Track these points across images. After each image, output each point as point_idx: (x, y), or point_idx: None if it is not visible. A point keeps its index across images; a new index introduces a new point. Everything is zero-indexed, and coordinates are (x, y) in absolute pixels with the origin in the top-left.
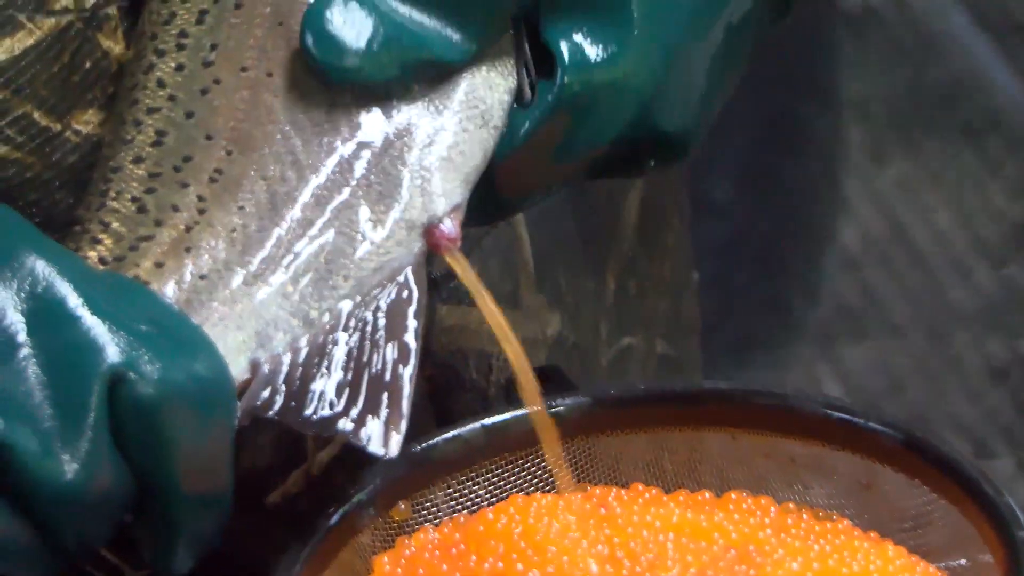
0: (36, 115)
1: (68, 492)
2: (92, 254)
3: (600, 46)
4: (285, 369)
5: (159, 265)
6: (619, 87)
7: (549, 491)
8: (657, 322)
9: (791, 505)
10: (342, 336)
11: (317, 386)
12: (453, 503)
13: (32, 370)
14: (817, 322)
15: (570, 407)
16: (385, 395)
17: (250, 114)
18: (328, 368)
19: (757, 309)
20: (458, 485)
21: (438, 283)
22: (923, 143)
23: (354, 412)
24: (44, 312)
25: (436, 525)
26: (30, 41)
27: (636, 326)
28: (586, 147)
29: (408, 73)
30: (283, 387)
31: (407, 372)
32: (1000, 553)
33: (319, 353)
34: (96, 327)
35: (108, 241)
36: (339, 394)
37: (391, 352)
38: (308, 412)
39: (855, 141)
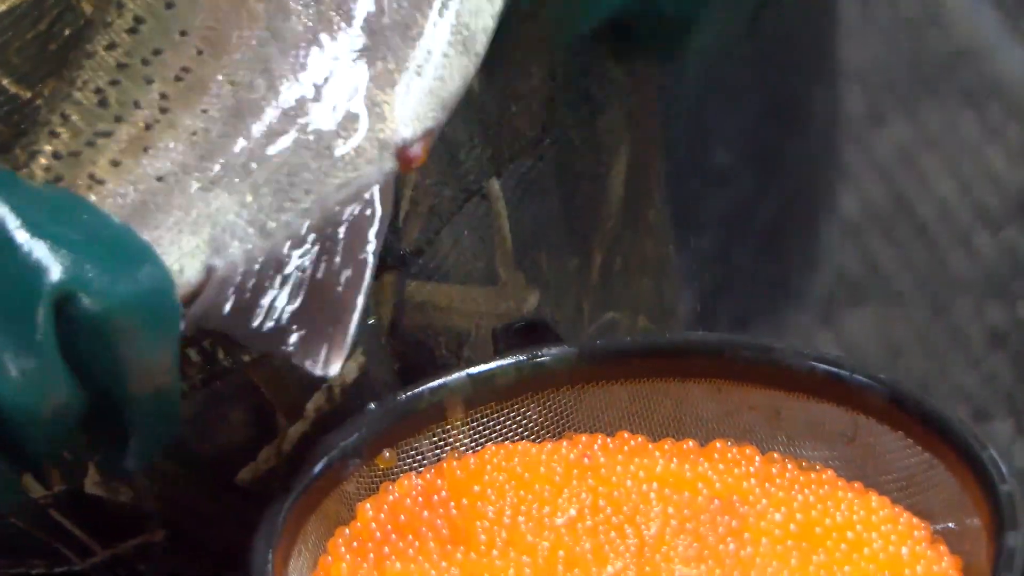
0: (5, 82)
1: (21, 411)
2: (48, 148)
3: None
4: (238, 278)
5: (115, 164)
6: None
7: (535, 440)
8: (641, 300)
9: (776, 455)
10: (299, 250)
11: (267, 299)
12: (438, 451)
13: None
14: (817, 290)
15: (556, 358)
16: (332, 315)
17: (231, 16)
18: (281, 282)
19: (758, 279)
20: (443, 433)
21: (407, 259)
22: (923, 111)
23: (299, 330)
24: None
25: (419, 472)
26: (2, 7)
27: (620, 304)
28: (584, 18)
29: None
30: (233, 296)
31: (358, 294)
32: (984, 508)
33: (274, 265)
34: (38, 248)
35: (65, 135)
36: (287, 310)
37: (345, 272)
38: (254, 325)
39: (856, 110)
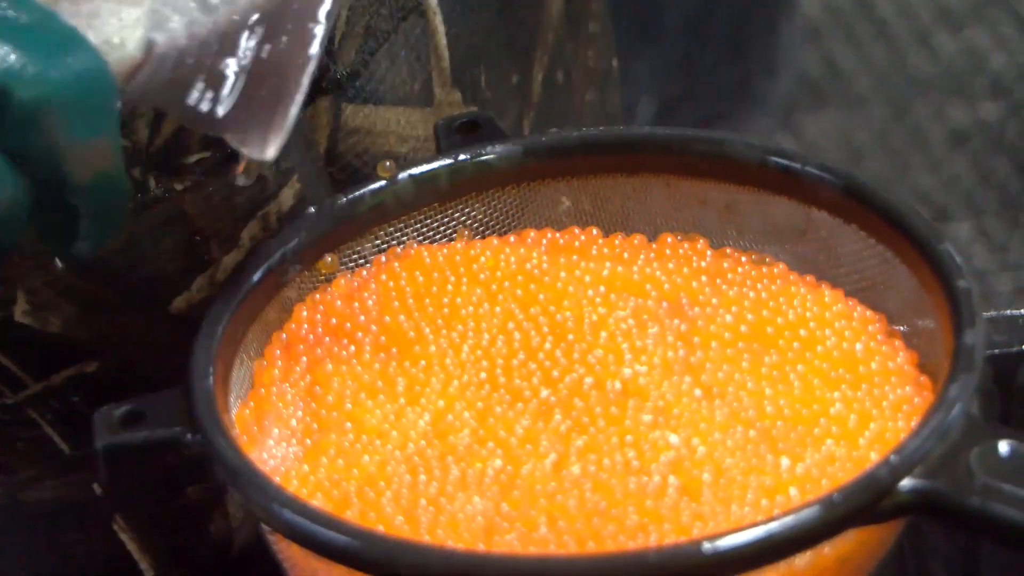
0: None
1: None
2: None
3: None
4: (176, 53)
5: None
6: None
7: (477, 239)
8: (584, 114)
9: (727, 251)
10: (243, 28)
11: (207, 76)
12: (382, 255)
13: None
14: (778, 94)
15: (500, 156)
16: (274, 95)
17: None
18: (222, 59)
19: (718, 85)
20: (386, 236)
21: (342, 83)
22: None
23: (236, 109)
24: None
25: (354, 271)
26: None
27: (563, 119)
28: None
29: None
30: (172, 71)
31: (302, 74)
32: (941, 304)
33: (217, 42)
34: None
35: None
36: (226, 88)
37: (290, 52)
38: (191, 101)
39: None
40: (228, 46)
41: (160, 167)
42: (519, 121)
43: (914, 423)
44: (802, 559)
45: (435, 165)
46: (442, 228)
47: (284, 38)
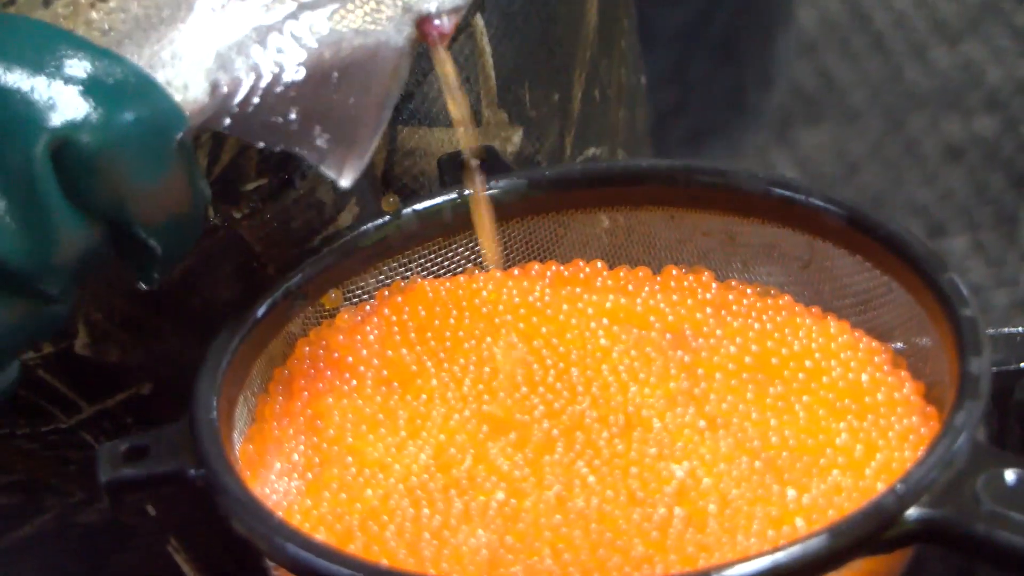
0: None
1: (38, 262)
2: None
3: None
4: (243, 92)
5: None
6: None
7: (480, 273)
8: (618, 130)
9: (733, 282)
10: (315, 63)
11: (278, 111)
12: (385, 289)
13: None
14: (773, 108)
15: (504, 190)
16: (354, 121)
17: None
18: (291, 96)
19: (713, 97)
20: (390, 272)
21: (397, 105)
22: None
23: (314, 128)
24: None
25: (356, 305)
26: None
27: (600, 138)
28: None
29: None
30: (238, 109)
31: (384, 108)
32: (946, 333)
33: (284, 79)
34: (25, 92)
35: None
36: (302, 114)
37: (368, 87)
38: (270, 126)
39: None
40: (299, 84)
41: (219, 195)
42: (561, 139)
43: (920, 452)
44: None
45: (438, 200)
46: (447, 264)
47: (362, 70)
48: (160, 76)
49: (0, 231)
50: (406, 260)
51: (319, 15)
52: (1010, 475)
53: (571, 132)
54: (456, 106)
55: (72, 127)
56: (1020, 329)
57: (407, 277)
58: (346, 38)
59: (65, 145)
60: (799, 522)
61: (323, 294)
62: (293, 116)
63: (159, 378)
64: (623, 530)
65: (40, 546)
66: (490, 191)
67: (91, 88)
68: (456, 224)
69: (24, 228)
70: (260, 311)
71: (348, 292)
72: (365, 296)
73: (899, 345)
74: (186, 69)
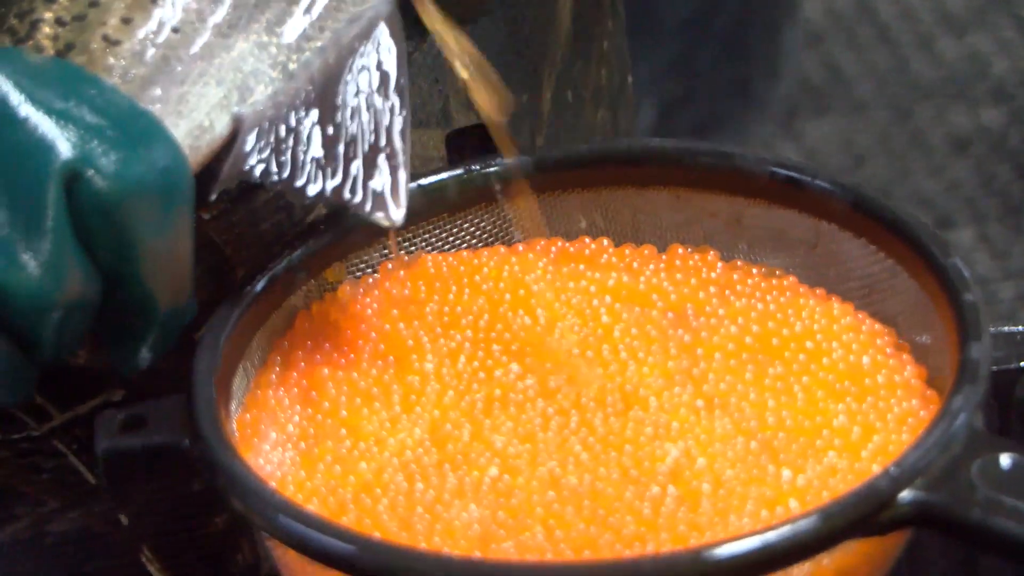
0: None
1: (38, 297)
2: (48, 15)
3: None
4: (265, 124)
5: (127, 21)
6: None
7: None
8: (596, 132)
9: (738, 263)
10: (329, 90)
11: (301, 144)
12: (388, 263)
13: None
14: (779, 99)
15: (511, 167)
16: (382, 159)
17: None
18: (313, 125)
19: (720, 89)
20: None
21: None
22: None
23: (345, 176)
24: None
25: (358, 278)
26: None
27: (575, 138)
28: None
29: None
30: (261, 142)
31: (403, 133)
32: (948, 317)
33: (304, 108)
34: (43, 124)
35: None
36: (321, 153)
37: (379, 111)
38: (300, 182)
39: None
40: (317, 111)
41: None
42: (532, 140)
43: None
44: (801, 570)
45: (443, 176)
46: (451, 239)
47: (370, 94)
48: (188, 122)
49: (8, 263)
50: (411, 235)
51: (312, 16)
52: (1005, 460)
53: (542, 132)
54: (462, 64)
55: (88, 162)
56: (1020, 328)
57: (411, 252)
58: (342, 32)
59: (79, 182)
60: (793, 503)
61: (326, 268)
62: (322, 155)
63: (130, 384)
64: (615, 508)
65: (13, 555)
66: (493, 168)
67: (108, 129)
68: (461, 201)
69: (26, 252)
70: (259, 285)
71: (351, 266)
72: (368, 270)
73: (903, 329)
74: (210, 106)
